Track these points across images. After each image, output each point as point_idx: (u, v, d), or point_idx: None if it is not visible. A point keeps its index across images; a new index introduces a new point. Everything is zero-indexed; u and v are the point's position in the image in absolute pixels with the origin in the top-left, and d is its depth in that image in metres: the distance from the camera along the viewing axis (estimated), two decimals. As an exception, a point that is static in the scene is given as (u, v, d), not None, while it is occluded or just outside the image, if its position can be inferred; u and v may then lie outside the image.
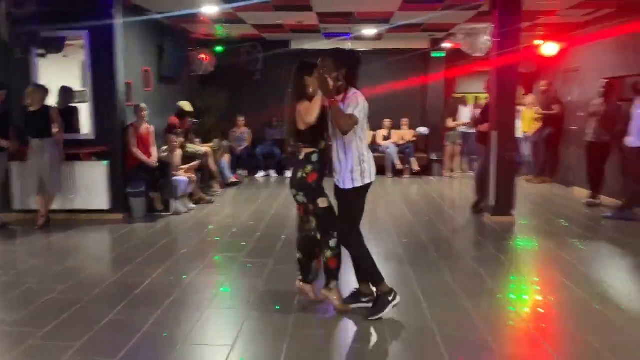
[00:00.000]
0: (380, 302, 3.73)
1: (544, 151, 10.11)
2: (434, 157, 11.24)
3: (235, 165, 10.62)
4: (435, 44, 11.45)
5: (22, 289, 4.31)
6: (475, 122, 7.71)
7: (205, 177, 8.55)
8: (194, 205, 7.64)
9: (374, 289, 3.83)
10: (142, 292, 4.23)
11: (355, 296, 3.94)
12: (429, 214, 7.39)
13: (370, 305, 3.80)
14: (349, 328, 3.64)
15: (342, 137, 3.60)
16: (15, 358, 3.15)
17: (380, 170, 10.55)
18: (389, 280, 3.86)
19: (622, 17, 7.71)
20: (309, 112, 3.58)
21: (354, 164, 3.63)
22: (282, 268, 4.81)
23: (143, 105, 7.15)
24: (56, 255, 5.41)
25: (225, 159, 9.89)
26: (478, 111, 8.39)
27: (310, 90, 3.65)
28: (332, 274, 3.84)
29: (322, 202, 3.75)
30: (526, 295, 4.27)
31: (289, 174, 10.95)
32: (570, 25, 9.29)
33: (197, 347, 3.33)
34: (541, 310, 3.91)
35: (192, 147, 8.28)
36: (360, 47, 10.75)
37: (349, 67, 3.63)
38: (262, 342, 3.41)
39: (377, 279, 3.78)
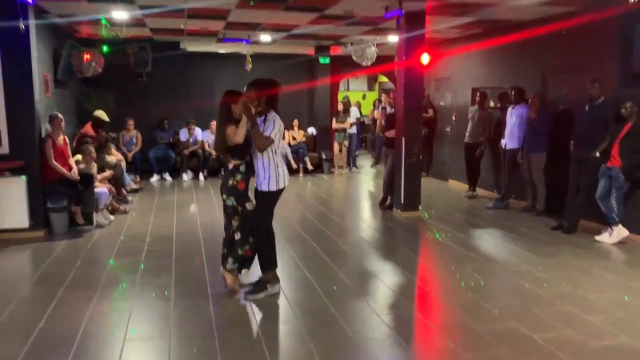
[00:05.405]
0: (261, 286, 4.57)
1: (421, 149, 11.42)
2: (323, 156, 12.03)
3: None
4: (320, 50, 12.20)
5: None
6: (382, 129, 8.59)
7: (118, 187, 8.30)
8: (112, 217, 7.44)
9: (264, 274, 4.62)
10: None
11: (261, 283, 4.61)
12: (344, 211, 8.13)
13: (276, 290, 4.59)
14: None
15: (260, 151, 4.39)
16: None
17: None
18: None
19: (487, 37, 9.14)
20: (237, 134, 4.36)
21: (270, 173, 4.42)
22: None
23: (59, 115, 6.77)
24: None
25: (123, 166, 9.59)
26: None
27: (237, 113, 4.37)
28: (247, 262, 4.73)
29: (249, 205, 4.56)
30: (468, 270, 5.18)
31: (185, 177, 11.04)
32: (443, 40, 10.66)
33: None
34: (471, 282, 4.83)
35: (105, 158, 7.99)
36: (252, 50, 11.11)
37: (268, 94, 4.44)
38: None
39: (267, 265, 4.58)
